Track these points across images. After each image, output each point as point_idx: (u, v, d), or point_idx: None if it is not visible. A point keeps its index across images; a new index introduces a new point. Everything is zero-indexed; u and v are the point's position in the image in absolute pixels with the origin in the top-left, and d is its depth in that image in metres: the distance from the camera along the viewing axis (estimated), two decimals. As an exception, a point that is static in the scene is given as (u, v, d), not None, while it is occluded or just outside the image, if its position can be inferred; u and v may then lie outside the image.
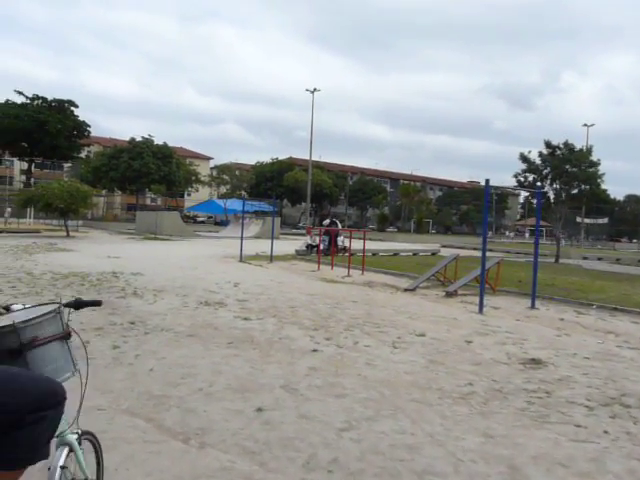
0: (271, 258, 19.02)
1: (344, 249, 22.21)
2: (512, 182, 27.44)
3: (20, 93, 59.65)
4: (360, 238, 19.74)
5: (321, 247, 20.34)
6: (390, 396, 4.83)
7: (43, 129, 57.01)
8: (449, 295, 11.84)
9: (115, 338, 6.51)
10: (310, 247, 22.05)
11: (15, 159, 66.05)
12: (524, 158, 26.49)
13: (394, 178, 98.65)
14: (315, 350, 6.41)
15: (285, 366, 5.66)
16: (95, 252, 19.58)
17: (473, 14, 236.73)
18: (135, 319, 7.68)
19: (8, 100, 58.96)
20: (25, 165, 64.64)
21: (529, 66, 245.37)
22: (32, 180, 58.34)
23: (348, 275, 15.44)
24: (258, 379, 5.17)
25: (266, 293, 11.01)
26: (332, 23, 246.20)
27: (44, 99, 60.22)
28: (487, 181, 10.69)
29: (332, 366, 5.73)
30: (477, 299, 10.21)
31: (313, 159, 61.09)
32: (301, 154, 74.51)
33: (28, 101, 59.77)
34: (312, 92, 55.64)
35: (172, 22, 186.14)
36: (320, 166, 72.31)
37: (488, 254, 12.07)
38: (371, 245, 18.65)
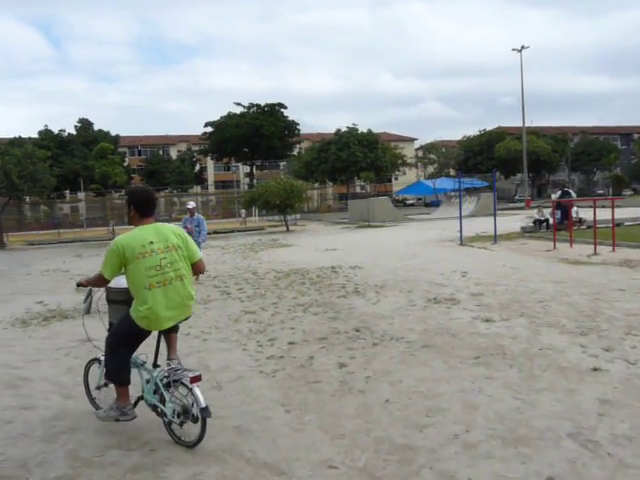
0: (495, 238, 17.05)
1: (579, 221, 19.14)
2: None
3: (238, 104, 65.66)
4: (590, 207, 16.62)
5: (552, 221, 17.71)
6: None
7: (259, 133, 61.83)
8: None
9: (340, 352, 5.68)
10: (539, 222, 19.43)
11: (239, 164, 73.11)
12: None
13: (625, 133, 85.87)
14: (596, 369, 4.75)
15: (563, 396, 4.17)
16: (313, 245, 19.82)
17: None
18: (360, 325, 6.82)
19: (230, 112, 65.30)
20: (247, 168, 71.18)
21: None
22: (254, 181, 63.71)
23: (595, 253, 12.86)
24: (530, 420, 3.78)
25: (502, 283, 9.40)
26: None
27: (258, 106, 65.31)
28: None
29: (633, 398, 4.06)
30: None
31: (526, 125, 55.81)
32: (510, 122, 69.09)
33: (245, 110, 65.40)
34: (519, 51, 50.64)
35: (363, 12, 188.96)
36: (534, 131, 65.90)
37: None
38: (606, 214, 15.46)
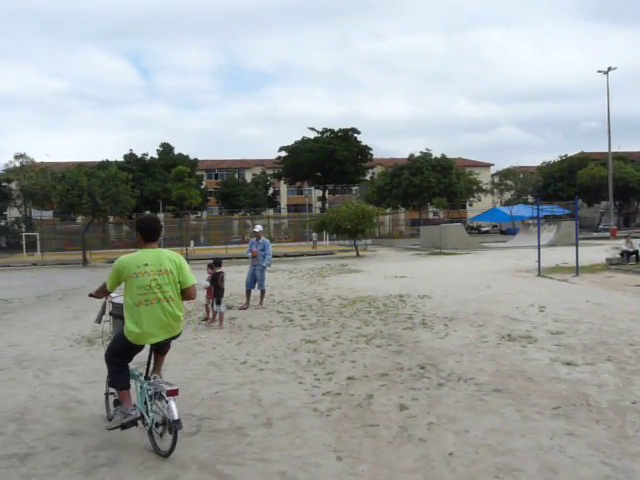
0: (577, 270, 15.90)
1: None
2: None
3: (312, 129, 66.72)
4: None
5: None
6: None
7: (332, 158, 62.36)
8: None
9: (402, 392, 5.24)
10: (627, 254, 18.01)
11: (312, 188, 73.90)
12: None
13: None
14: None
15: (662, 465, 3.54)
16: (382, 271, 19.35)
17: None
18: (425, 361, 6.35)
19: (304, 137, 66.41)
20: (320, 192, 71.77)
21: None
22: (326, 205, 64.06)
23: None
24: (624, 492, 3.21)
25: (585, 320, 8.58)
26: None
27: (331, 131, 66.03)
28: None
29: None
30: None
31: (612, 150, 52.86)
32: (593, 147, 65.60)
33: (319, 135, 66.27)
34: (606, 72, 48.22)
35: (438, 37, 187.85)
36: (622, 157, 62.34)
37: None
38: None
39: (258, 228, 11.53)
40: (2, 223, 64.60)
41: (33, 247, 45.69)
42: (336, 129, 66.00)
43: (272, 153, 72.65)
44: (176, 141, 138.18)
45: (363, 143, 67.24)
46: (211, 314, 9.60)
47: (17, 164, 65.62)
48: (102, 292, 4.38)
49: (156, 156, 62.47)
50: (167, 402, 3.89)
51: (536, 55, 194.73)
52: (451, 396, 5.07)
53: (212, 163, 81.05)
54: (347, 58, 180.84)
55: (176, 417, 3.77)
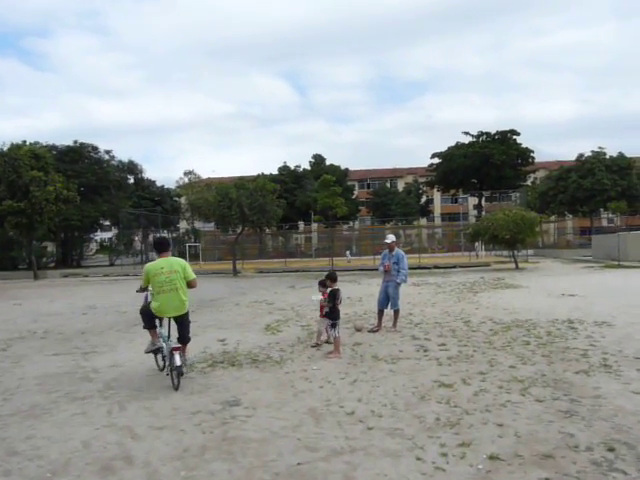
0: None
1: None
2: None
3: (467, 133, 63.23)
4: None
5: None
6: None
7: (489, 162, 58.32)
8: None
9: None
10: None
11: (467, 195, 70.00)
12: None
13: None
14: None
15: None
16: (546, 288, 16.51)
17: None
18: (614, 436, 4.23)
19: (457, 142, 63.13)
20: (476, 200, 67.63)
21: None
22: (483, 213, 59.99)
23: None
24: None
25: None
26: None
27: (488, 134, 61.92)
28: None
29: None
30: None
31: None
32: None
33: (474, 139, 62.52)
34: None
35: (606, 29, 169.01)
36: None
37: None
38: None
39: (390, 238, 9.88)
40: (174, 235, 70.61)
41: (198, 257, 48.75)
42: (492, 132, 61.72)
43: (425, 161, 70.34)
44: (329, 153, 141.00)
45: (523, 145, 61.99)
46: (323, 337, 8.26)
47: (186, 180, 71.45)
48: (142, 289, 6.76)
49: (308, 167, 63.68)
50: (172, 355, 6.03)
51: None
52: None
53: (364, 173, 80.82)
54: (503, 60, 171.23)
55: (178, 364, 5.96)
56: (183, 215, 68.08)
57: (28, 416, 5.36)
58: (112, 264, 49.65)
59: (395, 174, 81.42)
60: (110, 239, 70.41)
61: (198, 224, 63.00)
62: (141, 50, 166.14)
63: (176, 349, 6.04)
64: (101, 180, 46.19)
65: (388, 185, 75.93)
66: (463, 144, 62.81)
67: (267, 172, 61.27)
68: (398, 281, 9.63)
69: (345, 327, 8.85)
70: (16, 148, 33.42)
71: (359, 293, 16.75)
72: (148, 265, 6.48)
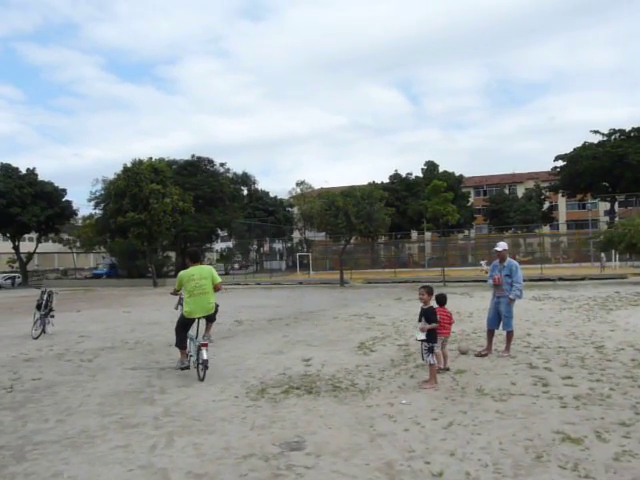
0: None
1: None
2: None
3: (596, 132, 57.71)
4: None
5: None
6: None
7: (623, 163, 52.65)
8: None
9: None
10: None
11: (597, 200, 63.90)
12: None
13: None
14: None
15: None
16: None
17: None
18: None
19: (585, 142, 57.88)
20: (607, 205, 61.45)
21: None
22: (616, 219, 54.30)
23: None
24: None
25: None
26: None
27: (621, 131, 56.11)
28: None
29: None
30: None
31: None
32: None
33: (604, 138, 56.98)
34: None
35: None
36: None
37: None
38: None
39: (501, 246, 8.37)
40: (289, 245, 71.81)
41: (308, 266, 48.78)
42: (627, 129, 55.77)
43: (546, 165, 65.47)
44: (442, 161, 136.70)
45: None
46: (444, 362, 7.17)
47: (298, 190, 72.51)
48: (175, 292, 7.83)
49: (420, 175, 61.66)
50: (200, 350, 7.05)
51: None
52: None
53: (479, 179, 76.92)
54: (636, 52, 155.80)
55: (205, 358, 6.98)
56: (296, 225, 69.02)
57: (69, 445, 4.76)
58: (227, 273, 51.18)
59: (514, 180, 76.57)
60: (229, 248, 73.30)
61: (309, 234, 63.44)
62: (258, 69, 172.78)
63: (204, 345, 7.06)
64: (216, 192, 47.78)
65: (506, 191, 71.49)
66: (592, 144, 57.28)
67: (378, 181, 60.31)
68: (511, 297, 8.12)
69: (448, 349, 7.54)
70: (138, 163, 35.36)
71: (470, 307, 15.13)
72: (182, 272, 7.59)
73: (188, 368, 7.45)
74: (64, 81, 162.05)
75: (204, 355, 6.94)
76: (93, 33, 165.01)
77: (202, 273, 7.41)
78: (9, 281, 44.68)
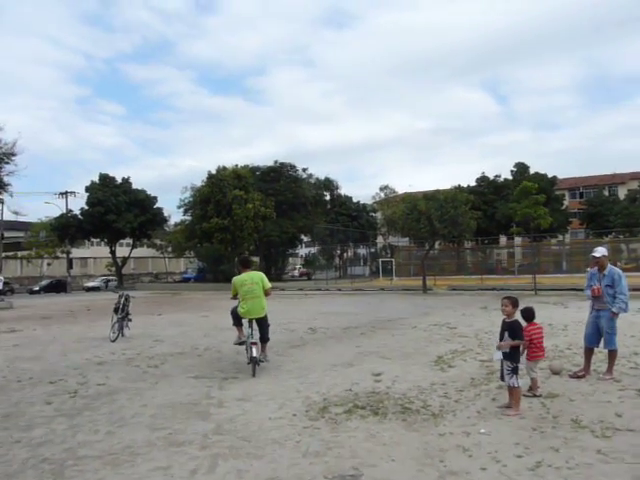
0: None
1: None
2: None
3: None
4: None
5: None
6: None
7: None
8: None
9: None
10: None
11: None
12: None
13: None
14: None
15: None
16: None
17: None
18: None
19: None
20: None
21: None
22: None
23: None
24: None
25: None
26: None
27: None
28: None
29: None
30: None
31: None
32: None
33: None
34: None
35: None
36: None
37: None
38: None
39: (600, 252, 7.25)
40: (372, 250, 71.02)
41: (392, 272, 47.76)
42: None
43: (653, 163, 60.01)
44: (533, 162, 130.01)
45: None
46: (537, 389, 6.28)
47: (382, 195, 71.58)
48: (233, 297, 8.30)
49: (510, 177, 58.75)
50: (251, 347, 7.74)
51: None
52: None
53: (575, 181, 72.20)
54: None
55: (254, 355, 7.66)
56: (379, 230, 68.08)
57: (110, 463, 4.43)
58: (309, 278, 51.22)
59: (614, 180, 71.13)
60: (313, 254, 73.68)
61: (393, 239, 62.31)
62: (343, 76, 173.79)
63: (253, 344, 7.77)
64: (298, 197, 48.00)
65: (605, 193, 66.58)
66: None
67: (464, 184, 58.14)
68: (615, 310, 7.02)
69: (538, 368, 6.59)
70: (222, 170, 36.14)
71: (564, 319, 13.77)
72: (235, 278, 8.20)
73: (244, 343, 8.11)
74: (160, 96, 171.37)
75: (254, 352, 7.65)
76: (186, 49, 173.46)
77: (253, 279, 8.02)
78: (104, 284, 47.38)
